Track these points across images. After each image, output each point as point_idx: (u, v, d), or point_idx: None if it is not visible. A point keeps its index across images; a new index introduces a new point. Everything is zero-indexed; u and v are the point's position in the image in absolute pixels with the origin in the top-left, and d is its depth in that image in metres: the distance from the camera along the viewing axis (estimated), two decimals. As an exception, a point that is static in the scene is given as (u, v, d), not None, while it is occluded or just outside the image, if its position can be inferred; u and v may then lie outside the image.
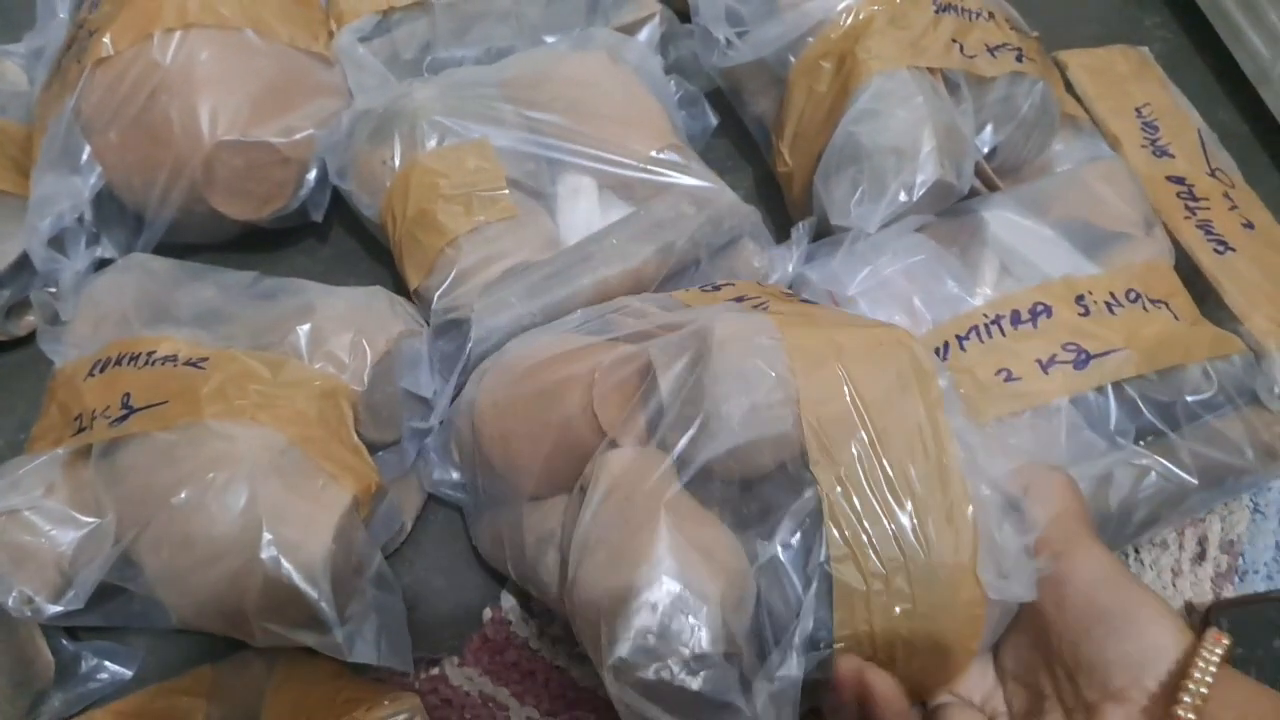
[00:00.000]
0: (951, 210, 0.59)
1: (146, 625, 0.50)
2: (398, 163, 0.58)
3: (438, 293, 0.54)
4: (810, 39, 0.61)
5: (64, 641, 0.52)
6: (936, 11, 0.60)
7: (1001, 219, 0.57)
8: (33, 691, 0.50)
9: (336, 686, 0.48)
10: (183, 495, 0.45)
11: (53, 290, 0.60)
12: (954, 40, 0.60)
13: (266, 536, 0.44)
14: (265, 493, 0.45)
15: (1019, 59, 0.61)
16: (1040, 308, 0.53)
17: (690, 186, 0.57)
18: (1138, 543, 0.57)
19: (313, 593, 0.45)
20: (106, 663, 0.52)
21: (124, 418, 0.49)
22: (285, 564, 0.44)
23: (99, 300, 0.57)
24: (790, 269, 0.58)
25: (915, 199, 0.56)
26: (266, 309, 0.54)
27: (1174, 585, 0.56)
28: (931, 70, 0.59)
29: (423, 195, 0.56)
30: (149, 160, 0.59)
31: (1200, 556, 0.58)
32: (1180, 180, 0.67)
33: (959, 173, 0.57)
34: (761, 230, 0.59)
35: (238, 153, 0.59)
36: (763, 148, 0.69)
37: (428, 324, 0.56)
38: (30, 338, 0.63)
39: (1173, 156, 0.68)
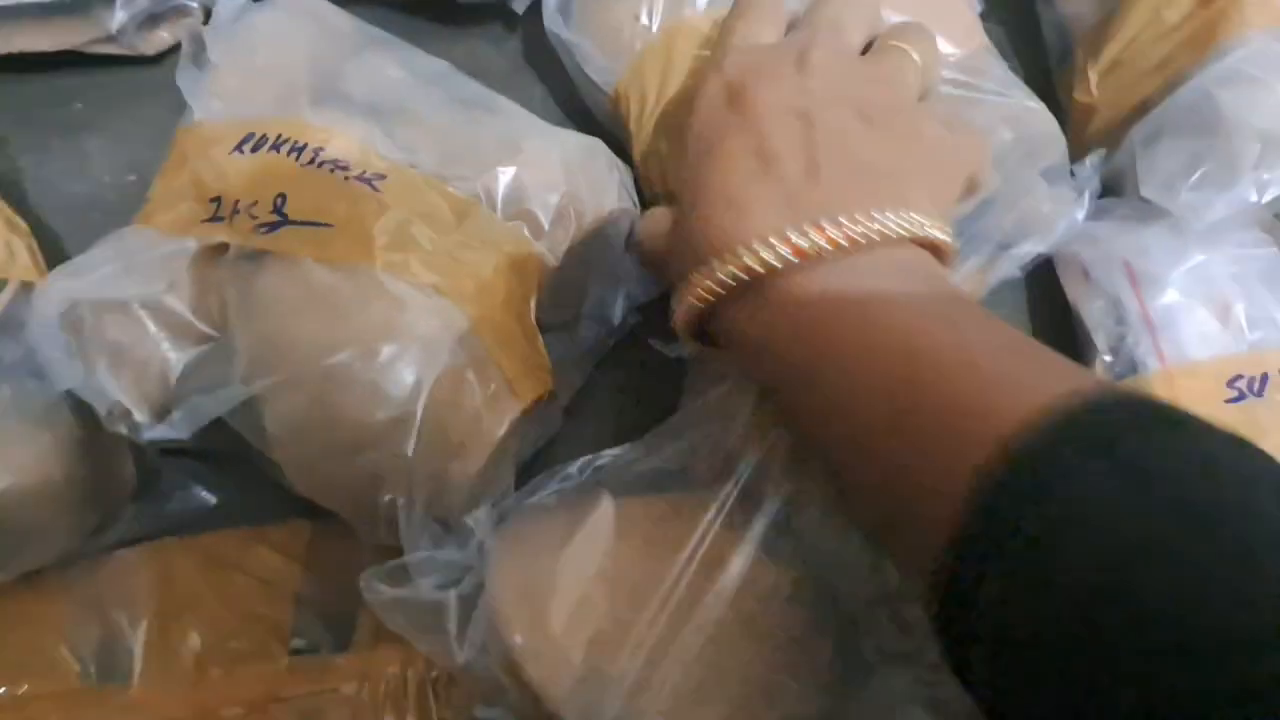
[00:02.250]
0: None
1: (250, 466, 0.43)
2: (655, 22, 0.44)
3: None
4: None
5: (147, 451, 0.44)
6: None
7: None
8: (106, 507, 0.43)
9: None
10: (338, 361, 0.36)
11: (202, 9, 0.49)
12: (1371, 1, 0.46)
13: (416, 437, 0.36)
14: (429, 385, 0.36)
15: None
16: None
17: (1005, 102, 0.45)
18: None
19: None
20: (191, 485, 0.45)
21: (275, 226, 0.39)
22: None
23: (258, 45, 0.46)
24: (1080, 217, 0.46)
25: (1263, 201, 0.45)
26: (461, 124, 0.43)
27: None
28: (1331, 37, 0.46)
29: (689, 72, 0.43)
30: (341, -117, 0.47)
31: None
32: None
33: (1329, 180, 0.45)
34: (1063, 169, 0.47)
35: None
36: (1053, 56, 0.56)
37: (640, 199, 0.46)
38: (158, 59, 0.53)
39: None
